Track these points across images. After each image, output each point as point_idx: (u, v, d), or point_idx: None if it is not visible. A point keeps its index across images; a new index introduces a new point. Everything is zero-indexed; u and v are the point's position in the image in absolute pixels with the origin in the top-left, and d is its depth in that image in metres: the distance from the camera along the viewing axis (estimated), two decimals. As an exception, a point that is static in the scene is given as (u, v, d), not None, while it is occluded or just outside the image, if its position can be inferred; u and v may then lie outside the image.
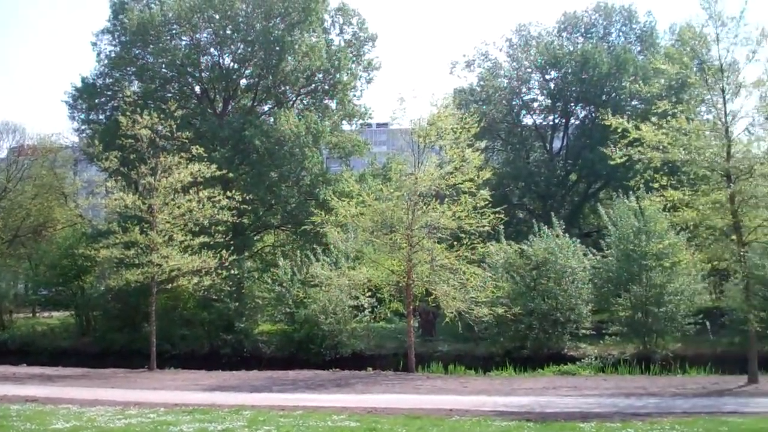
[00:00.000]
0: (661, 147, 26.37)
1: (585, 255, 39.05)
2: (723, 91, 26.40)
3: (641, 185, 30.37)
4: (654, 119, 26.51)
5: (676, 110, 26.74)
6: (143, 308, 40.05)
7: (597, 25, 63.95)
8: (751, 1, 26.20)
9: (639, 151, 26.45)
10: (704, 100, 28.05)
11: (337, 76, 52.80)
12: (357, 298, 37.84)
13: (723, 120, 26.64)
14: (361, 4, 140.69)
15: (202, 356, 42.10)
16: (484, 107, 59.30)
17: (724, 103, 26.53)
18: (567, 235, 39.60)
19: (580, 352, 36.78)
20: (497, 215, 32.38)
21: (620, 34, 63.97)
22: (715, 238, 28.17)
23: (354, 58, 55.24)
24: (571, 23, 63.68)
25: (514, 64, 63.08)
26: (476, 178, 32.02)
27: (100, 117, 53.14)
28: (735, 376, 29.12)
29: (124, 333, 45.07)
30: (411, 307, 34.18)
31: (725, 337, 39.01)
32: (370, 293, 37.69)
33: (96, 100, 52.57)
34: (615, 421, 18.58)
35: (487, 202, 32.18)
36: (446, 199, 33.67)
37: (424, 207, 32.67)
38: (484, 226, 32.36)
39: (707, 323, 38.46)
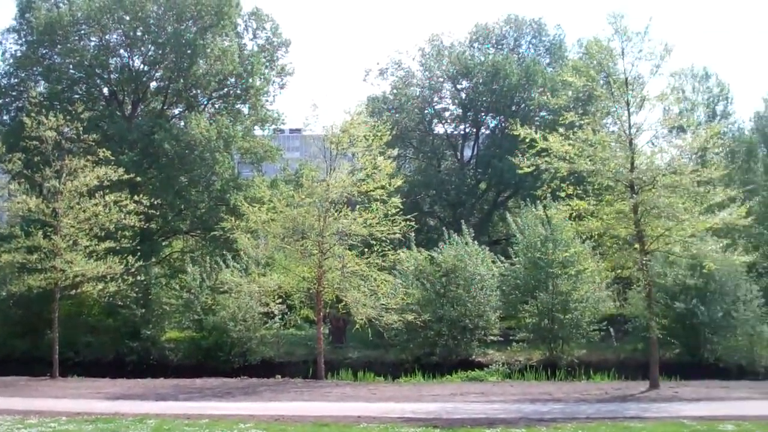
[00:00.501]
0: (567, 157, 27.06)
1: (494, 262, 39.42)
2: (628, 104, 27.34)
3: (548, 194, 30.77)
4: (561, 130, 27.11)
5: (582, 122, 27.51)
6: (46, 314, 38.69)
7: (508, 36, 64.62)
8: (656, 18, 27.11)
9: (546, 161, 27.08)
10: (610, 112, 28.63)
11: (250, 80, 52.17)
12: (267, 305, 37.43)
13: (627, 132, 27.58)
14: (275, 9, 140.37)
15: (107, 364, 40.93)
16: (397, 115, 59.46)
17: (629, 116, 27.52)
18: (476, 242, 39.85)
19: (487, 359, 37.12)
20: (408, 222, 32.59)
21: (530, 46, 64.83)
22: (618, 247, 29.07)
23: (267, 63, 54.69)
24: (483, 34, 64.32)
25: (427, 73, 63.40)
26: (388, 186, 32.19)
27: (4, 118, 51.25)
28: (637, 381, 29.95)
29: (26, 340, 43.46)
30: (321, 314, 34.11)
31: (628, 343, 39.86)
32: (280, 300, 37.38)
33: (0, 101, 50.87)
34: (520, 427, 18.80)
35: (398, 210, 32.35)
36: (358, 207, 33.72)
37: (336, 214, 32.67)
38: (395, 234, 32.57)
39: (611, 330, 39.26)
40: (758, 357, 36.68)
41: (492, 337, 38.22)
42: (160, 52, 49.75)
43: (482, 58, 61.29)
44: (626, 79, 27.10)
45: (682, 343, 36.70)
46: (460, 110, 62.38)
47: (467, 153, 64.64)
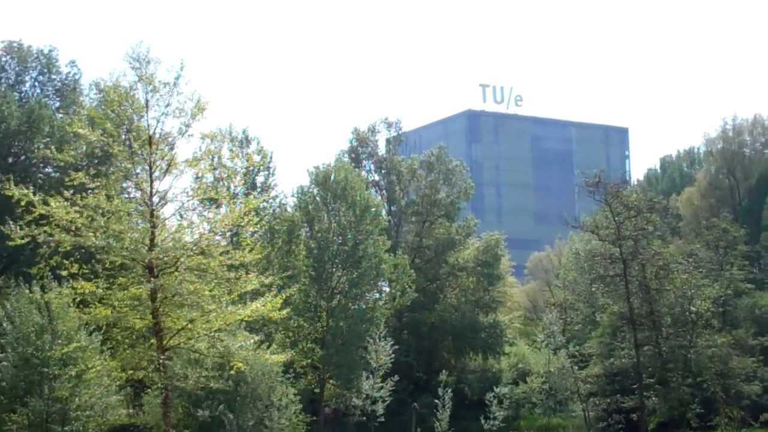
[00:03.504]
0: (73, 228, 25.01)
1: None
2: (151, 166, 26.07)
3: (48, 273, 28.52)
4: (68, 193, 25.14)
5: (96, 184, 25.98)
6: None
7: (8, 69, 60.01)
8: (188, 69, 26.41)
9: (45, 231, 24.66)
10: (129, 175, 27.29)
11: None
12: None
13: (149, 201, 26.29)
14: None
15: None
16: None
17: (151, 182, 26.17)
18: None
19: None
20: None
21: (36, 83, 61.07)
22: (132, 342, 27.66)
23: None
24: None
25: None
26: None
27: None
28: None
29: None
30: None
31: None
32: None
33: None
34: None
35: None
36: None
37: None
38: None
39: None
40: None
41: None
42: None
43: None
44: (150, 137, 25.85)
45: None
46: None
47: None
